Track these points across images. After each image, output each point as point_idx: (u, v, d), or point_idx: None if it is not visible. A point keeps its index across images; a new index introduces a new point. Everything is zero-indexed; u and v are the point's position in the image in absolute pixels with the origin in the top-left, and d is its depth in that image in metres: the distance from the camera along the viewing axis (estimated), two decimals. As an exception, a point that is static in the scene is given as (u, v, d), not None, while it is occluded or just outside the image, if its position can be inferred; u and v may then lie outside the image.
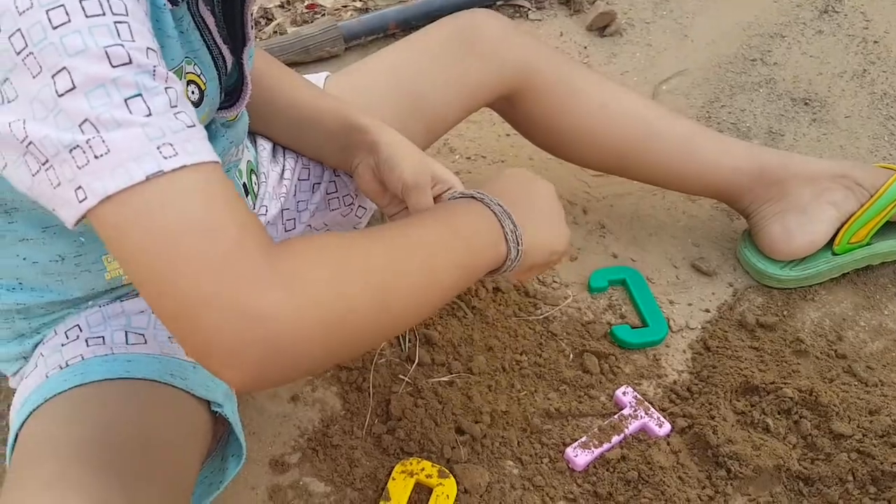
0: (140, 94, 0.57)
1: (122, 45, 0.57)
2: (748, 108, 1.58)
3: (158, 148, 0.57)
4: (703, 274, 1.29)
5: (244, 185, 0.97)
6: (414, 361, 1.12)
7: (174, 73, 0.70)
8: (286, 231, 1.07)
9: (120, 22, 0.57)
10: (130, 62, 0.57)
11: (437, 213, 0.83)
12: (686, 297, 1.25)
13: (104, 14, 0.57)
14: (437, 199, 0.96)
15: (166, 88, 0.59)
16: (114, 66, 0.56)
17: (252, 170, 1.01)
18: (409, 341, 1.15)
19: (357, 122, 0.99)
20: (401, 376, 1.10)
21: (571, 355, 1.16)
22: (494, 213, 0.81)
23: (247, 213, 0.61)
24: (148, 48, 0.59)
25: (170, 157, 0.57)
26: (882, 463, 1.00)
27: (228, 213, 0.59)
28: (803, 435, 1.06)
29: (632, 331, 1.18)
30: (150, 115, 0.57)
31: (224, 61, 0.80)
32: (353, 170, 1.01)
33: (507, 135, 1.53)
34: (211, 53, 0.77)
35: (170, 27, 0.69)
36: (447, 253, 0.74)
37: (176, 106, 0.59)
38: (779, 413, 1.08)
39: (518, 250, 0.82)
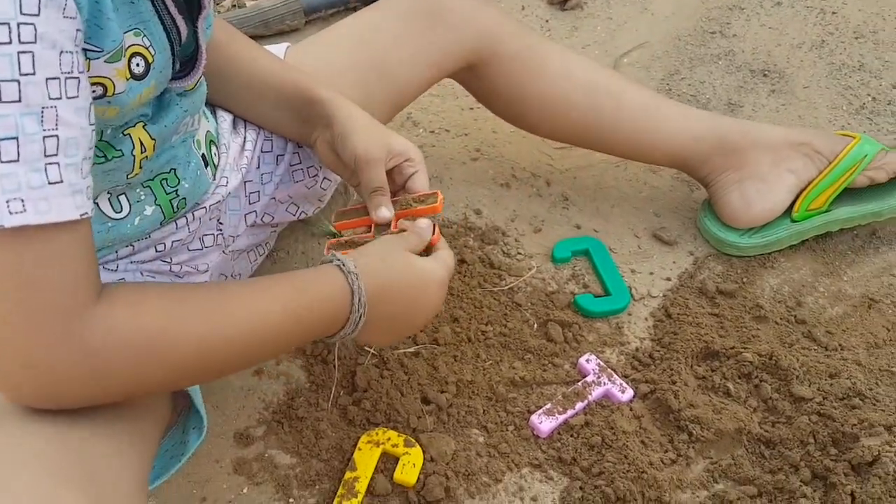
0: (15, 138, 0.58)
1: (16, 81, 0.58)
2: (707, 80, 1.59)
3: (7, 202, 0.58)
4: (664, 243, 1.30)
5: (203, 156, 0.96)
6: (379, 333, 1.12)
7: (113, 54, 0.70)
8: (250, 203, 1.06)
9: (24, 52, 0.58)
10: (19, 100, 0.58)
11: (287, 288, 0.79)
12: (648, 266, 1.27)
13: (10, 42, 0.58)
14: (392, 171, 0.96)
15: (46, 137, 0.60)
16: (2, 102, 0.58)
17: (212, 140, 1.00)
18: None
19: (315, 95, 0.99)
20: (366, 348, 1.10)
21: (536, 325, 1.17)
22: (352, 301, 0.81)
23: (78, 273, 0.63)
24: (48, 79, 0.59)
25: (15, 213, 0.59)
26: (843, 425, 1.02)
27: (57, 273, 0.61)
28: (764, 398, 1.07)
29: (595, 300, 1.19)
30: (16, 161, 0.58)
31: (178, 31, 0.79)
32: (312, 143, 1.01)
33: (471, 108, 1.53)
34: (163, 23, 0.76)
35: (108, 9, 0.68)
36: (279, 333, 0.77)
37: (54, 154, 0.60)
38: (739, 377, 1.10)
39: (355, 329, 0.83)
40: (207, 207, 0.97)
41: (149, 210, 0.88)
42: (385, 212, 0.94)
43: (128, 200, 0.86)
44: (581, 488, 1.00)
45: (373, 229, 0.96)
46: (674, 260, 1.28)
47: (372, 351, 1.10)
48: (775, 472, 1.01)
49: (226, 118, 1.05)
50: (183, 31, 0.80)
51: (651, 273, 1.26)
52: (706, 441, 1.04)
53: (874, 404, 1.05)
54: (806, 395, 1.06)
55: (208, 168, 0.97)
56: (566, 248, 1.27)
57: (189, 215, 0.95)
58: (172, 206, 0.91)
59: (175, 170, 0.90)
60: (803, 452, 1.02)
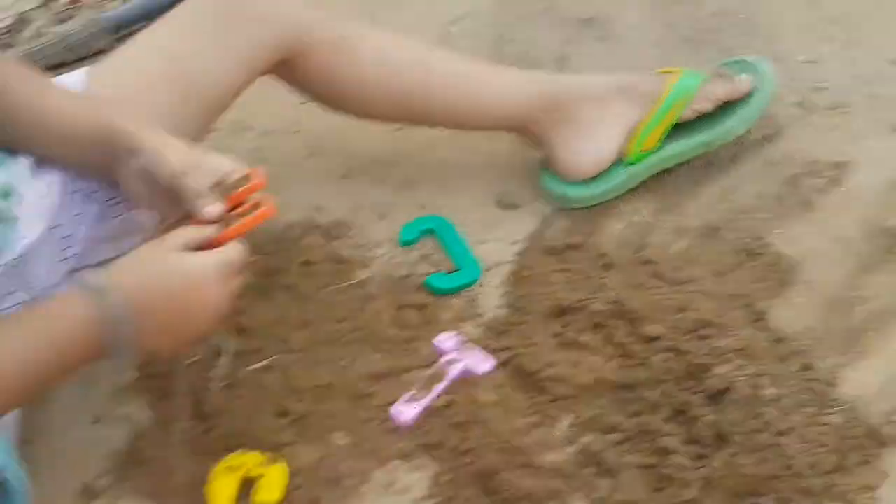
0: None
1: None
2: (534, 37, 1.59)
3: None
4: (509, 208, 1.30)
5: None
6: (228, 353, 1.09)
7: None
8: (62, 251, 1.01)
9: None
10: None
11: (29, 331, 0.78)
12: (496, 234, 1.26)
13: None
14: (215, 187, 0.91)
15: None
16: None
17: (6, 193, 0.94)
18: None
19: (116, 126, 0.93)
20: (213, 372, 1.07)
21: (390, 314, 1.15)
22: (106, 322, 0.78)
23: None
24: None
25: None
26: (695, 357, 1.03)
27: None
28: (617, 344, 1.08)
29: (445, 276, 1.18)
30: None
31: None
32: (121, 179, 0.94)
33: (302, 103, 1.49)
34: None
35: None
36: (38, 376, 0.76)
37: None
38: (592, 328, 1.10)
39: (122, 343, 0.80)
40: (4, 265, 0.91)
41: None
42: (217, 207, 0.88)
43: None
44: (450, 469, 0.99)
45: None
46: (521, 224, 1.27)
47: (217, 375, 1.07)
48: (637, 414, 1.02)
49: (23, 162, 0.99)
50: None
51: (499, 240, 1.25)
52: (568, 397, 1.04)
53: (725, 331, 1.06)
54: (657, 334, 1.07)
55: (1, 224, 0.91)
56: (412, 230, 1.26)
57: None
58: None
59: None
60: (661, 391, 1.02)
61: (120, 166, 0.93)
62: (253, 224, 0.90)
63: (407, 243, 1.25)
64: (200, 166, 0.90)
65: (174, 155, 0.90)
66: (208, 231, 0.87)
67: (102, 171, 0.97)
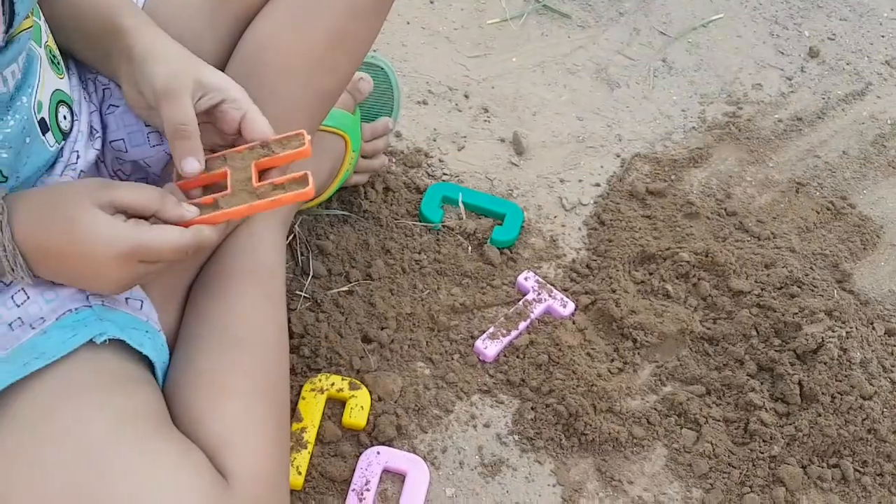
0: None
1: None
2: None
3: None
4: (588, 148, 1.27)
5: (42, 120, 0.77)
6: (309, 274, 1.08)
7: None
8: (116, 174, 0.89)
9: None
10: None
11: None
12: (575, 174, 1.24)
13: None
14: (216, 117, 0.78)
15: None
16: None
17: (62, 101, 0.80)
18: (302, 254, 1.10)
19: (115, 23, 0.80)
20: (297, 292, 1.06)
21: (470, 248, 1.14)
22: None
23: None
24: None
25: None
26: (783, 315, 1.03)
27: None
28: (703, 296, 1.07)
29: (500, 229, 1.14)
30: None
31: None
32: (119, 82, 0.82)
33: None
34: None
35: None
36: None
37: None
38: (677, 278, 1.09)
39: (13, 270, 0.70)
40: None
41: None
42: (193, 163, 0.74)
43: None
44: (533, 408, 0.99)
45: (228, 181, 0.75)
46: (601, 164, 1.25)
47: (304, 294, 1.06)
48: (721, 368, 1.02)
49: (73, 73, 0.86)
50: None
51: (580, 181, 1.23)
52: (651, 345, 1.04)
53: (812, 290, 1.06)
54: (744, 289, 1.06)
55: (49, 134, 0.78)
56: (431, 207, 1.16)
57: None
58: None
59: None
60: (747, 346, 1.02)
61: (119, 67, 0.81)
62: (276, 205, 0.74)
63: (433, 220, 1.15)
64: (199, 81, 0.76)
65: (162, 67, 0.76)
66: (169, 210, 0.72)
67: (108, 71, 0.84)
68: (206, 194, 0.76)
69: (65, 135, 0.80)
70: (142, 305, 0.82)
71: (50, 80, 0.78)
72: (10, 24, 0.69)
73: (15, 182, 0.75)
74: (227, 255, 0.88)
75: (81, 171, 0.82)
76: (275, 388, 0.80)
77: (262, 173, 0.76)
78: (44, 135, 0.77)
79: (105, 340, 0.73)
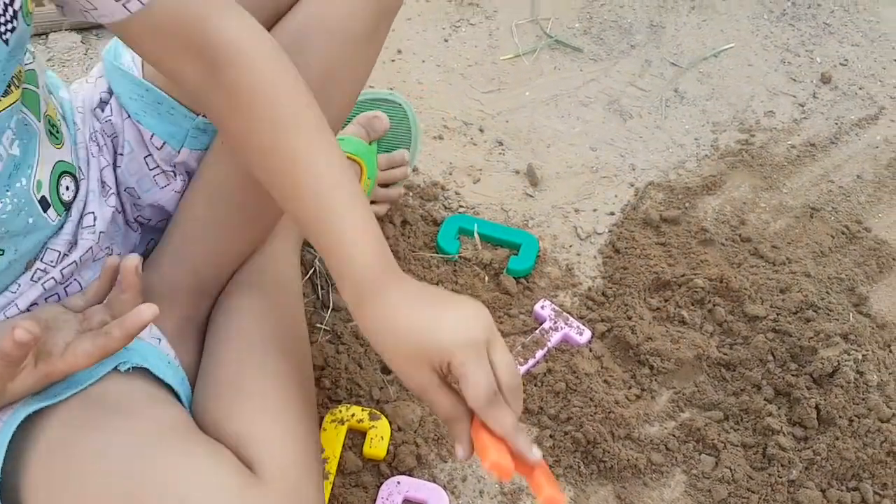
0: None
1: None
2: (628, 3, 1.57)
3: None
4: (603, 178, 1.29)
5: (43, 198, 0.76)
6: (329, 307, 1.10)
7: None
8: (137, 224, 0.91)
9: None
10: None
11: None
12: (590, 204, 1.26)
13: None
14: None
15: None
16: None
17: (65, 171, 0.79)
18: (322, 287, 1.12)
19: (334, 234, 0.73)
20: (318, 325, 1.08)
21: (487, 278, 1.16)
22: None
23: None
24: None
25: None
26: (799, 339, 1.03)
27: None
28: (719, 322, 1.08)
29: (517, 259, 1.15)
30: None
31: None
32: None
33: (392, 60, 1.49)
34: None
35: None
36: None
37: None
38: (692, 304, 1.10)
39: None
40: (50, 265, 0.79)
41: None
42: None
43: None
44: (552, 436, 1.00)
45: None
46: (615, 193, 1.27)
47: (324, 327, 1.08)
48: (739, 393, 1.02)
49: (79, 129, 0.85)
50: None
51: (594, 210, 1.25)
52: (668, 372, 1.04)
53: (828, 314, 1.06)
54: (760, 314, 1.07)
55: (50, 209, 0.77)
56: (448, 238, 1.18)
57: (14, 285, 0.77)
58: None
59: None
60: (764, 371, 1.03)
61: (339, 283, 0.74)
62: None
63: (450, 252, 1.16)
64: (432, 353, 0.69)
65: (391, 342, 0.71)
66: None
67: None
68: None
69: (66, 206, 0.80)
70: (160, 342, 0.84)
71: (49, 156, 0.77)
72: None
73: (13, 255, 0.75)
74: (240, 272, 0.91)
75: (101, 231, 0.83)
76: (293, 386, 0.81)
77: None
78: (45, 212, 0.77)
79: (129, 368, 0.75)
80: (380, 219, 1.20)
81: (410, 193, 1.26)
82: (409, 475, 0.96)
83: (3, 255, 0.75)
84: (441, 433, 1.00)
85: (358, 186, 0.74)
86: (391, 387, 1.03)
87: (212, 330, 0.87)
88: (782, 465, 0.95)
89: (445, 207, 1.24)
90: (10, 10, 0.66)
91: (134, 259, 0.73)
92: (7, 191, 0.72)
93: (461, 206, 1.25)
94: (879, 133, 1.33)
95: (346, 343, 1.07)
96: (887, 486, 0.95)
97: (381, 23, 0.88)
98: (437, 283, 1.14)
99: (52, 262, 0.79)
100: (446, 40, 1.51)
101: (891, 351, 1.05)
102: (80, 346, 0.69)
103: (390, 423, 0.99)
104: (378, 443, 0.97)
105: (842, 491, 0.94)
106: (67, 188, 0.80)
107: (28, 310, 0.78)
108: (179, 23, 0.72)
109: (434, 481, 0.96)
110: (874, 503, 0.94)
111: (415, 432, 1.00)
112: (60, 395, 0.73)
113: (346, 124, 1.13)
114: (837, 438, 0.96)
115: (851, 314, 1.07)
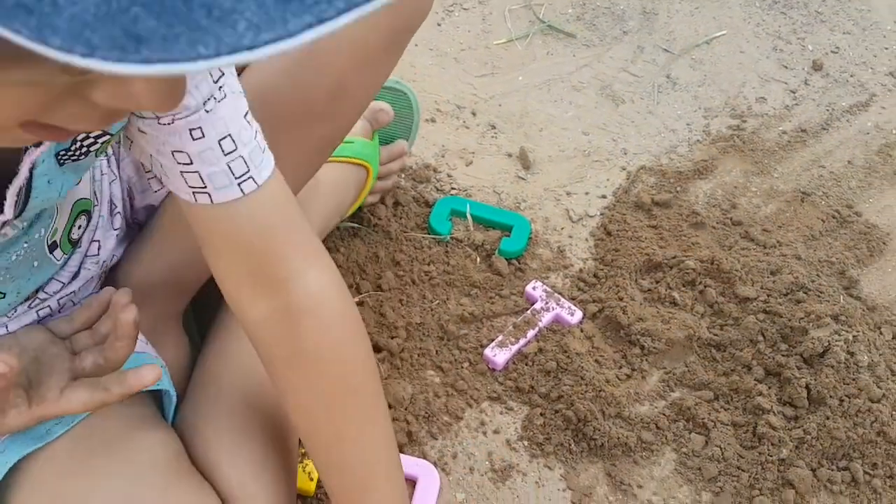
0: None
1: None
2: (621, -10, 1.57)
3: None
4: (595, 161, 1.29)
5: (53, 242, 0.73)
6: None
7: None
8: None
9: None
10: None
11: None
12: (582, 187, 1.26)
13: None
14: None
15: None
16: None
17: (83, 210, 0.77)
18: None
19: None
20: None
21: (478, 259, 1.16)
22: None
23: None
24: None
25: None
26: (790, 320, 1.03)
27: None
28: (710, 303, 1.08)
29: (508, 240, 1.15)
30: None
31: None
32: None
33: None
34: None
35: None
36: None
37: None
38: (683, 285, 1.10)
39: None
40: (50, 295, 0.78)
41: None
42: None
43: None
44: (542, 414, 1.00)
45: None
46: (607, 177, 1.27)
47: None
48: (729, 373, 1.02)
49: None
50: None
51: (586, 193, 1.25)
52: (658, 352, 1.04)
53: (818, 296, 1.06)
54: (750, 295, 1.07)
55: (57, 250, 0.75)
56: (442, 218, 1.18)
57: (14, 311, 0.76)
58: None
59: None
60: (754, 351, 1.03)
61: None
62: None
63: (442, 233, 1.17)
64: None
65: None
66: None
67: None
68: None
69: (74, 244, 0.77)
70: (147, 344, 0.84)
71: (70, 197, 0.74)
72: (21, 210, 0.64)
73: (14, 298, 0.73)
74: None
75: (104, 261, 0.82)
76: (289, 437, 0.84)
77: None
78: (51, 253, 0.74)
79: None
80: (372, 200, 1.20)
81: (403, 175, 1.26)
82: (400, 452, 0.96)
83: (3, 297, 0.72)
84: (432, 411, 1.00)
85: (398, 465, 0.77)
86: (382, 365, 1.03)
87: (220, 348, 0.89)
88: (772, 444, 0.96)
89: (438, 189, 1.24)
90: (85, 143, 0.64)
91: (125, 296, 0.69)
92: (25, 243, 0.69)
93: (453, 189, 1.24)
94: (870, 119, 1.34)
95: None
96: (877, 466, 0.96)
97: (400, 36, 0.86)
98: (428, 264, 1.14)
99: (52, 292, 0.78)
100: (439, 24, 1.50)
101: (881, 333, 1.05)
102: (75, 395, 0.67)
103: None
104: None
105: (832, 470, 0.95)
106: (80, 227, 0.77)
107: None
108: (256, 249, 0.68)
109: (424, 458, 0.96)
110: (864, 482, 0.94)
111: (406, 410, 1.00)
112: (51, 431, 0.72)
113: None
114: (828, 418, 0.96)
115: (842, 296, 1.07)
